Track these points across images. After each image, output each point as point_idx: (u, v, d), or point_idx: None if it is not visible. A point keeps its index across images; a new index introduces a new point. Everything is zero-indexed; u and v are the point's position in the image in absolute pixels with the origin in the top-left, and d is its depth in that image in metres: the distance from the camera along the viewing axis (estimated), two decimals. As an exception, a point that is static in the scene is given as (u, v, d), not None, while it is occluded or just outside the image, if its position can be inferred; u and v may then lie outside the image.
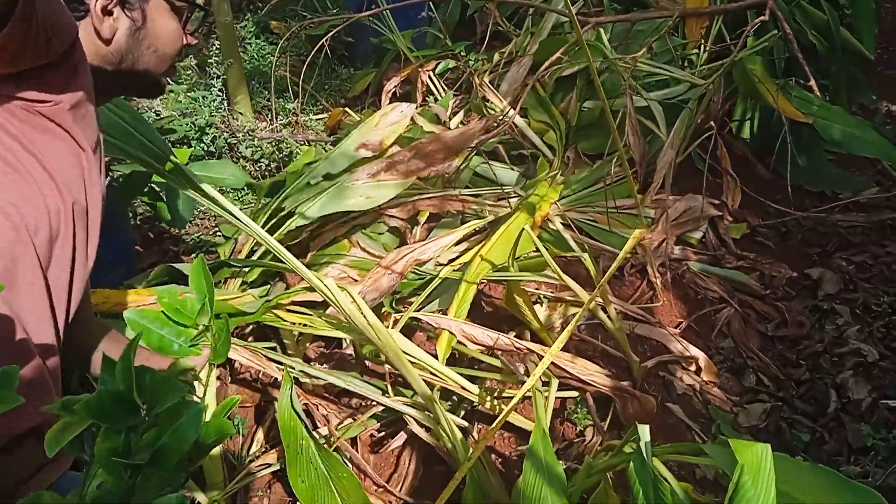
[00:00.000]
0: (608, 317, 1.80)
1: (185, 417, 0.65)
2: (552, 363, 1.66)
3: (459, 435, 1.52)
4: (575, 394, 1.79)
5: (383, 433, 1.82)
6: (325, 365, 1.92)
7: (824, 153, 2.59)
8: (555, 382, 1.64)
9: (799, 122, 2.34)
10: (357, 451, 1.79)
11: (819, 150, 2.55)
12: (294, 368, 1.63)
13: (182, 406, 0.65)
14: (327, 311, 1.71)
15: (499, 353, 1.73)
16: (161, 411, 0.65)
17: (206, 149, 2.74)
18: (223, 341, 0.81)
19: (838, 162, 2.63)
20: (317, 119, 3.20)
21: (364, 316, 1.40)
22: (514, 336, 1.91)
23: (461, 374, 1.67)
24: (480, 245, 1.95)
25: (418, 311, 1.82)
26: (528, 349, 1.64)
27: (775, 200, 2.46)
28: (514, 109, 2.42)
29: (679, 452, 1.15)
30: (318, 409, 1.86)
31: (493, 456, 1.74)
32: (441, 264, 2.06)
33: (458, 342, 1.72)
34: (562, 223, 2.20)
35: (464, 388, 1.64)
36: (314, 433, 1.51)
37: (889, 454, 1.69)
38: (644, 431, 1.04)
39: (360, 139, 2.19)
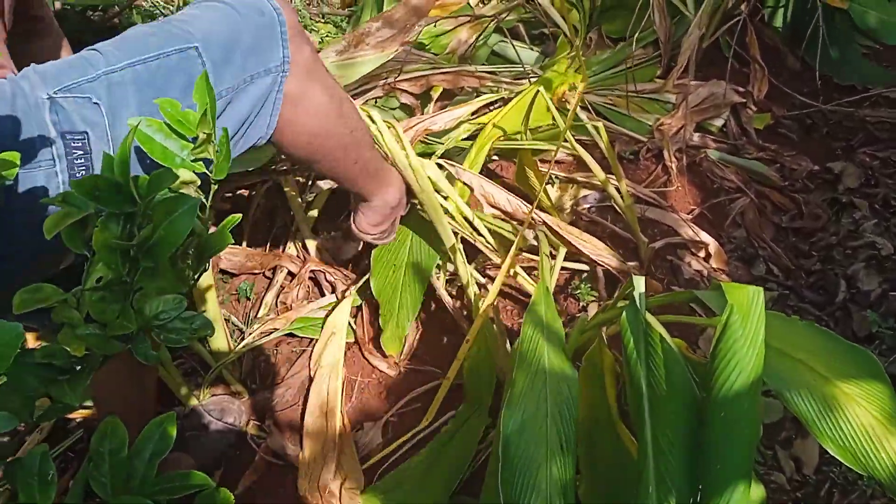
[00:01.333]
0: (620, 195, 1.78)
1: (180, 210, 0.64)
2: (560, 236, 1.65)
3: (476, 290, 1.53)
4: (584, 267, 1.78)
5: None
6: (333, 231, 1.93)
7: (858, 46, 2.48)
8: (562, 250, 1.63)
9: (833, 8, 2.23)
10: (363, 316, 1.81)
11: (852, 42, 2.45)
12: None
13: (177, 199, 0.64)
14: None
15: (512, 220, 1.71)
16: (156, 203, 0.64)
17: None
18: (224, 156, 0.80)
19: (871, 56, 2.53)
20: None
21: (406, 153, 1.38)
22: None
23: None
24: (494, 114, 1.90)
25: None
26: (543, 221, 1.62)
27: (803, 93, 2.37)
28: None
29: (673, 302, 1.13)
30: (324, 277, 1.87)
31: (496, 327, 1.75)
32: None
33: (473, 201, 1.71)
34: (580, 106, 2.14)
35: (487, 245, 1.63)
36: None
37: (894, 343, 1.68)
38: (639, 282, 1.02)
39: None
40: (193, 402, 1.68)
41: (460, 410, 1.56)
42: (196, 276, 0.72)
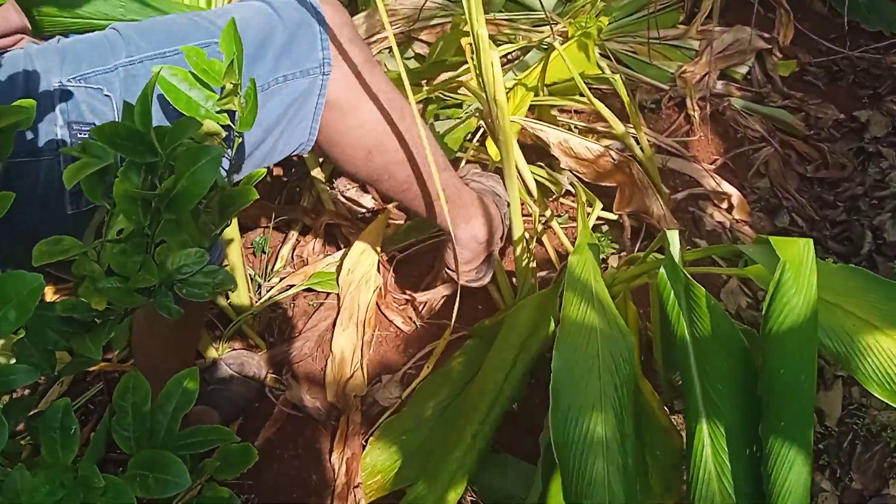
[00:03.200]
0: (640, 146, 1.74)
1: (203, 161, 0.62)
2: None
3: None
4: (608, 216, 1.77)
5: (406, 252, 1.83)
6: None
7: (887, -10, 2.40)
8: (598, 205, 1.62)
9: (864, -50, 2.15)
10: (377, 270, 1.79)
11: (882, -13, 2.36)
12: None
13: (200, 150, 0.62)
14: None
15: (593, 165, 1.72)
16: (179, 153, 0.62)
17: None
18: (250, 108, 0.77)
19: (901, 1, 2.45)
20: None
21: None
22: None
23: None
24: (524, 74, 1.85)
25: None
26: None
27: (829, 39, 2.30)
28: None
29: (711, 256, 1.10)
30: (339, 230, 1.86)
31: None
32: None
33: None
34: (599, 53, 2.08)
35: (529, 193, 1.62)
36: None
37: (920, 295, 1.65)
38: (673, 236, 0.99)
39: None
40: (213, 353, 1.68)
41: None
42: (219, 231, 0.70)
